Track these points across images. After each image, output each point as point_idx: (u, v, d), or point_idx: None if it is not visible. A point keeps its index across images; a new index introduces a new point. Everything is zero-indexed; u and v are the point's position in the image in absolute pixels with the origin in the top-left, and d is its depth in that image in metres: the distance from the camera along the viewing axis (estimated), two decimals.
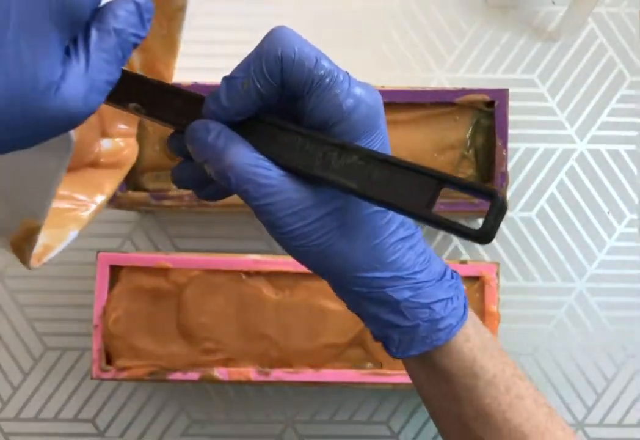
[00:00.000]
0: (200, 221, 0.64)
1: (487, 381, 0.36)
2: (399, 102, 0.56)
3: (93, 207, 0.46)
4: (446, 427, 0.39)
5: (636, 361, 0.63)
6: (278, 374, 0.56)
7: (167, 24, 0.45)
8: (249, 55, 0.32)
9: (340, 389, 0.62)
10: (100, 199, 0.47)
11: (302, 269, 0.55)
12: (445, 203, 0.56)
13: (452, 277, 0.37)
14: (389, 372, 0.56)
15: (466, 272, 0.56)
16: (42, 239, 0.39)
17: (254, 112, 0.33)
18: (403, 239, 0.35)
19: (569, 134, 0.65)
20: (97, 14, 0.28)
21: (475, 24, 0.66)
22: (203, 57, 0.64)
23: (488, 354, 0.37)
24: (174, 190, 0.57)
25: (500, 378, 0.37)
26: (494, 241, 0.64)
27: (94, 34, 0.28)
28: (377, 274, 0.34)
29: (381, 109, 0.33)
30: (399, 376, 0.55)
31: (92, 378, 0.56)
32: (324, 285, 0.57)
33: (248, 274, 0.57)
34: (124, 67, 0.30)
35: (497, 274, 0.56)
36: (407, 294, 0.35)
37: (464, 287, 0.38)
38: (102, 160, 0.50)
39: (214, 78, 0.58)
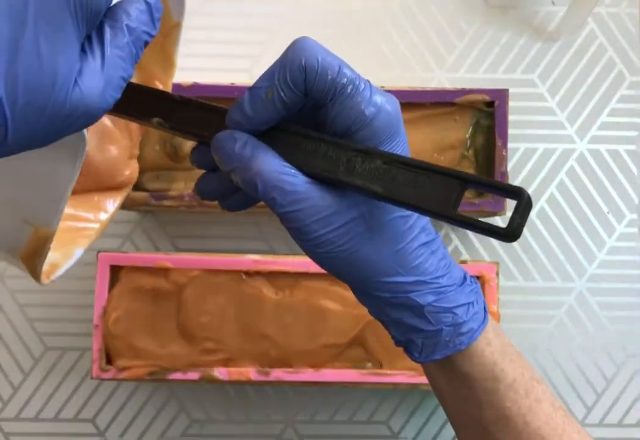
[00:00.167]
0: (200, 221, 0.64)
1: (508, 385, 0.37)
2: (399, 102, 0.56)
3: (97, 225, 0.47)
4: (465, 431, 0.40)
5: (636, 361, 0.63)
6: (278, 374, 0.56)
7: (163, 40, 0.46)
8: (273, 65, 0.33)
9: (340, 389, 0.62)
10: (104, 216, 0.48)
11: (302, 268, 0.56)
12: None
13: (472, 282, 0.37)
14: (389, 372, 0.56)
15: None
16: (49, 257, 0.39)
17: (277, 122, 0.33)
18: (425, 244, 0.35)
19: (569, 134, 0.65)
20: (109, 13, 0.29)
21: (475, 24, 0.66)
22: (203, 57, 0.64)
23: (508, 357, 0.37)
24: (174, 190, 0.57)
25: (520, 382, 0.37)
26: (494, 241, 0.64)
27: (108, 31, 0.29)
28: (401, 279, 0.35)
29: (400, 115, 0.34)
30: (399, 376, 0.55)
31: (92, 378, 0.56)
32: (324, 285, 0.58)
33: (248, 274, 0.57)
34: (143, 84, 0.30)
35: (497, 273, 0.56)
36: (430, 298, 0.35)
37: None
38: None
39: (214, 78, 0.59)
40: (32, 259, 0.38)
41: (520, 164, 0.64)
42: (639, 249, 0.64)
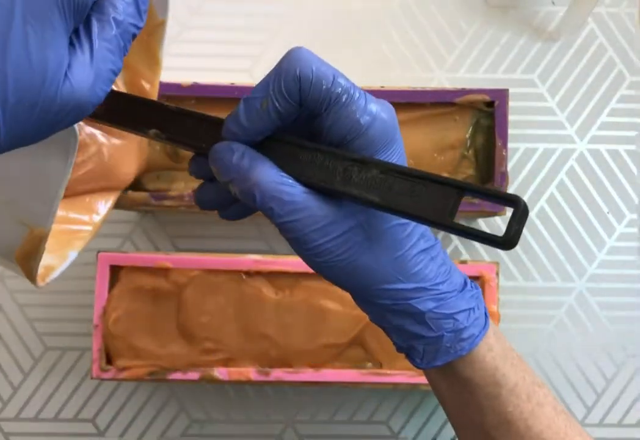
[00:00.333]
0: (200, 221, 0.64)
1: (509, 390, 0.37)
2: (399, 102, 0.56)
3: (90, 227, 0.47)
4: (466, 434, 0.40)
5: (636, 361, 0.63)
6: (278, 374, 0.56)
7: (147, 39, 0.46)
8: (267, 76, 0.33)
9: (340, 389, 0.62)
10: (97, 218, 0.48)
11: (302, 269, 0.56)
12: None
13: (472, 288, 0.37)
14: (389, 372, 0.56)
15: (466, 272, 0.54)
16: (44, 260, 0.39)
17: (273, 132, 0.33)
18: (424, 250, 0.35)
19: (569, 134, 0.65)
20: (96, 6, 0.29)
21: (475, 24, 0.66)
22: (203, 57, 0.64)
23: (509, 362, 0.37)
24: (174, 190, 0.57)
25: (522, 386, 0.37)
26: None
27: (95, 24, 0.28)
28: (401, 286, 0.35)
29: (396, 122, 0.34)
30: (399, 376, 0.55)
31: (92, 378, 0.56)
32: (324, 285, 0.57)
33: (248, 274, 0.57)
34: (139, 95, 0.30)
35: (497, 273, 0.56)
36: (431, 305, 0.35)
37: None
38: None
39: (214, 78, 0.59)
40: (28, 260, 0.38)
41: (520, 164, 0.64)
42: (639, 249, 0.64)
